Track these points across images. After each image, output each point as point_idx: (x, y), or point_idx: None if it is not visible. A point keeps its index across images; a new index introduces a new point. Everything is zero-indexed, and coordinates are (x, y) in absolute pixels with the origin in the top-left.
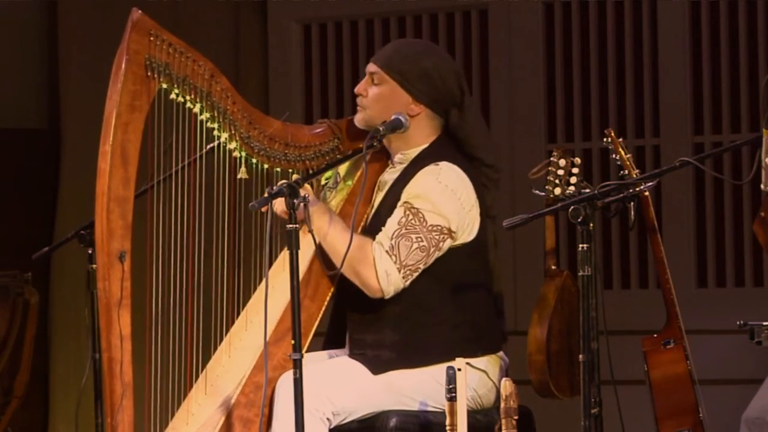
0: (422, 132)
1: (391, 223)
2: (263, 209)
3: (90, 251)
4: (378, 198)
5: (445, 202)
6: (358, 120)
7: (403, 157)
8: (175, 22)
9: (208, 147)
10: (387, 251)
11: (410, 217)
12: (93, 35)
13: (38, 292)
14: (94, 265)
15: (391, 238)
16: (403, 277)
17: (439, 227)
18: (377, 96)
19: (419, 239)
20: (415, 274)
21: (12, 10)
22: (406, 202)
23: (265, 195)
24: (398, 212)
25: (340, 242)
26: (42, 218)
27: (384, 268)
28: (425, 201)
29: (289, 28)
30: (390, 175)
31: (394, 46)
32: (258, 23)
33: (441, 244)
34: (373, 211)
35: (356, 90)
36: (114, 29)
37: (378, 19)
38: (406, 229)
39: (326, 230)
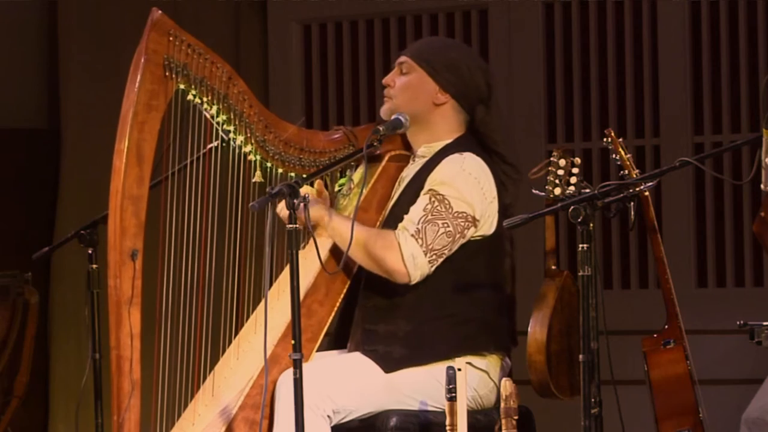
0: (447, 125)
1: (417, 210)
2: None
3: (90, 251)
4: (398, 192)
5: (470, 190)
6: (384, 110)
7: (426, 150)
8: (175, 22)
9: (209, 146)
10: (413, 235)
11: (436, 203)
12: (93, 35)
13: (38, 292)
14: (94, 265)
15: (417, 223)
16: (429, 262)
17: (465, 214)
18: (405, 84)
19: (445, 225)
20: (440, 260)
21: (12, 10)
22: (431, 189)
23: (266, 195)
24: (423, 199)
25: (349, 232)
26: (42, 218)
27: (410, 251)
28: (450, 188)
29: (289, 28)
30: (411, 170)
31: (424, 40)
32: (258, 23)
33: (466, 231)
34: (393, 202)
35: (384, 81)
36: (114, 29)
37: (378, 19)
38: (432, 215)
39: (332, 225)
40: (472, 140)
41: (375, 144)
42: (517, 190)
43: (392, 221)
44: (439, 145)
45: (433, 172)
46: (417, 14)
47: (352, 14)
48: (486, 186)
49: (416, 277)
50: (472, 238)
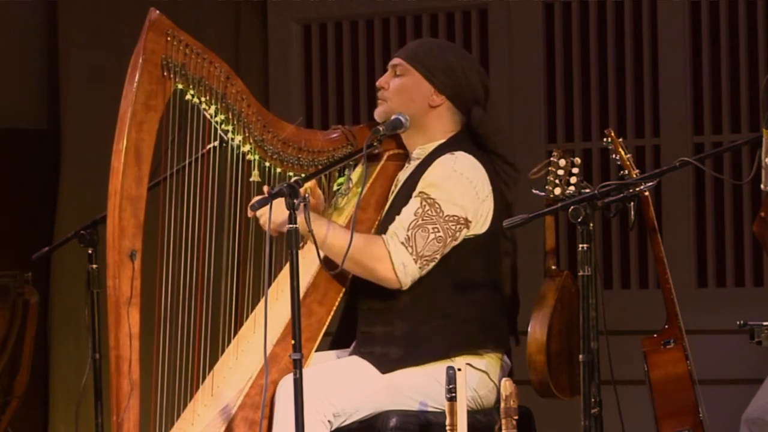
0: (441, 126)
1: (407, 214)
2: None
3: (90, 251)
4: (393, 195)
5: (461, 191)
6: (378, 113)
7: (420, 152)
8: (176, 22)
9: (209, 146)
10: (402, 242)
11: (426, 207)
12: (93, 35)
13: (38, 292)
14: (94, 265)
15: (407, 229)
16: (420, 268)
17: (456, 217)
18: (400, 87)
19: (436, 230)
20: (432, 264)
21: (12, 10)
22: (422, 192)
23: (265, 195)
24: (414, 203)
25: (342, 240)
26: (42, 218)
27: (400, 260)
28: (441, 190)
29: (289, 28)
30: (406, 173)
31: (417, 42)
32: (258, 23)
33: (457, 234)
34: (389, 205)
35: (378, 83)
36: (114, 29)
37: (378, 19)
38: (422, 219)
39: (326, 232)
40: (466, 137)
41: (375, 144)
42: (516, 189)
43: (386, 225)
44: (432, 146)
45: (425, 174)
46: (417, 14)
47: (352, 14)
48: (479, 185)
49: (407, 283)
50: (465, 238)
